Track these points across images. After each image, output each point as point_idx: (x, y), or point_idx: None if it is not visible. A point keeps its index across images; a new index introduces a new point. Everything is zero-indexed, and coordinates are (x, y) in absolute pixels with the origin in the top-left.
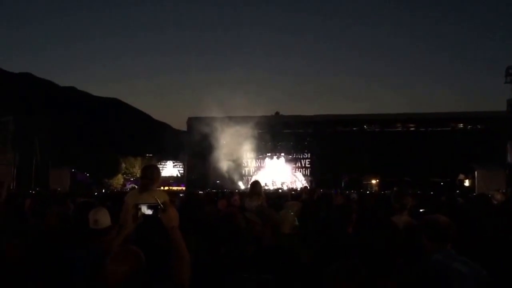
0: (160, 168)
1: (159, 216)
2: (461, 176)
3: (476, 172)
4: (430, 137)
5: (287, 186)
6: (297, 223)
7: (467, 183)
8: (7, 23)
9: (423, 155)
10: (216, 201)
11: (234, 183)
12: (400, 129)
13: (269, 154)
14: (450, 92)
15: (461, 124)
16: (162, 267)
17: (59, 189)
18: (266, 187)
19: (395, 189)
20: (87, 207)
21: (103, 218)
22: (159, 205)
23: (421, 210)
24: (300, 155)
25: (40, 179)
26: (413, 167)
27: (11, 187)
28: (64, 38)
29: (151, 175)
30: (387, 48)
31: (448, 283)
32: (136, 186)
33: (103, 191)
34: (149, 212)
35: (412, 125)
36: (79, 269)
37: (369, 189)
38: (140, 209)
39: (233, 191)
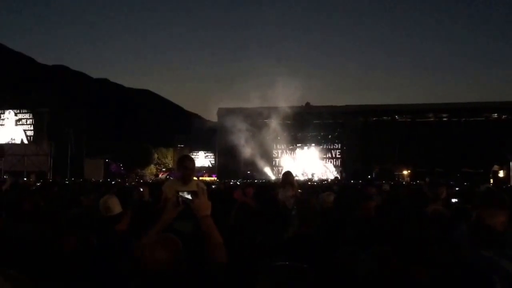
0: None
1: (190, 204)
2: (496, 167)
3: (511, 163)
4: (463, 127)
5: (318, 177)
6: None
7: (501, 174)
8: (42, 18)
9: (455, 145)
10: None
11: (264, 174)
12: (432, 119)
13: (300, 144)
14: (484, 81)
15: (495, 114)
16: (197, 254)
17: (93, 179)
18: (296, 178)
19: (427, 179)
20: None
21: (114, 205)
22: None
23: (453, 200)
24: (331, 146)
25: (75, 169)
26: (445, 158)
27: (48, 177)
28: (98, 31)
29: (190, 165)
30: (419, 38)
31: (490, 282)
32: (170, 177)
33: (136, 180)
34: (189, 198)
35: (444, 115)
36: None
37: (400, 180)
38: (180, 196)
39: (249, 183)
